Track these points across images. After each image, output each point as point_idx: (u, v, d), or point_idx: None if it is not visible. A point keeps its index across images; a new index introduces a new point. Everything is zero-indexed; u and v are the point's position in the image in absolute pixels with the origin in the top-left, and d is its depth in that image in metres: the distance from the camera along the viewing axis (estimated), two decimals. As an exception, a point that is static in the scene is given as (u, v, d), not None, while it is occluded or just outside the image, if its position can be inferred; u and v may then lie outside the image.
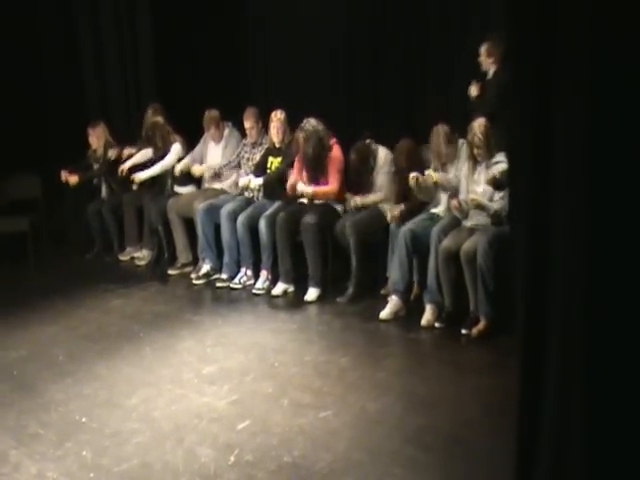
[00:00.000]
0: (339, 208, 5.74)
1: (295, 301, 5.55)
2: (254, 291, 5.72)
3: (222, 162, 6.48)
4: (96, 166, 7.25)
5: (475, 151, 4.77)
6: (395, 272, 5.05)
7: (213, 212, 6.11)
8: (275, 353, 4.52)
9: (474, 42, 5.63)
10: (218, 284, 5.98)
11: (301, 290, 5.58)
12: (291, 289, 5.69)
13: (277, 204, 5.89)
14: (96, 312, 5.52)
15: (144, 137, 6.84)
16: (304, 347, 4.63)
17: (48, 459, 3.36)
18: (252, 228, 5.85)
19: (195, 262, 6.37)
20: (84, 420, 3.72)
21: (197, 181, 6.76)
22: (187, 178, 6.67)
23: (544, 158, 2.29)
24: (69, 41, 8.12)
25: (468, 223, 4.86)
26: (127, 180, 6.82)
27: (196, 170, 6.55)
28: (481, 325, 4.60)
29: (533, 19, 2.26)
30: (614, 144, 2.08)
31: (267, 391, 3.97)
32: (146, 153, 6.86)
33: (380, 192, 5.57)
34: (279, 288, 5.66)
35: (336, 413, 3.66)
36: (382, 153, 5.57)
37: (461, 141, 5.04)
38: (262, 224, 5.74)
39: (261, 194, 6.12)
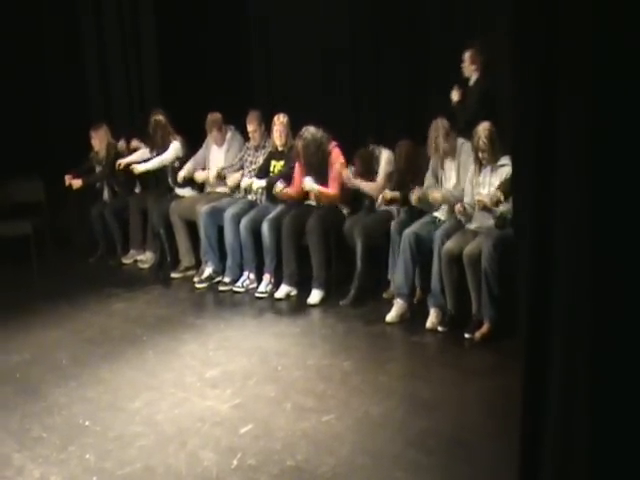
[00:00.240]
0: (344, 210, 5.75)
1: (298, 304, 5.54)
2: (257, 294, 5.72)
3: (225, 165, 6.48)
4: (98, 168, 7.26)
5: (480, 155, 4.76)
6: (399, 275, 5.05)
7: (216, 215, 6.11)
8: (278, 357, 4.52)
9: (478, 43, 5.65)
10: (221, 287, 5.98)
11: (304, 293, 5.58)
12: (294, 292, 5.69)
13: (280, 207, 5.89)
14: (99, 316, 5.53)
15: (148, 139, 6.85)
16: (307, 351, 4.63)
17: (51, 462, 3.36)
18: (255, 231, 5.85)
19: (198, 265, 6.37)
20: (87, 424, 3.72)
21: (199, 183, 6.76)
22: (189, 181, 6.68)
23: (547, 160, 2.28)
24: (72, 43, 8.15)
25: (472, 226, 4.85)
26: (128, 177, 6.84)
27: (199, 176, 6.56)
28: (484, 328, 4.59)
29: (536, 20, 2.26)
30: (617, 145, 2.08)
31: (270, 395, 3.97)
32: (144, 153, 6.88)
33: (374, 185, 5.54)
34: (282, 291, 5.66)
35: (339, 417, 3.66)
36: (384, 154, 5.57)
37: (460, 140, 5.04)
38: (265, 227, 5.75)
39: (264, 197, 6.13)
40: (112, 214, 7.07)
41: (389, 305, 5.09)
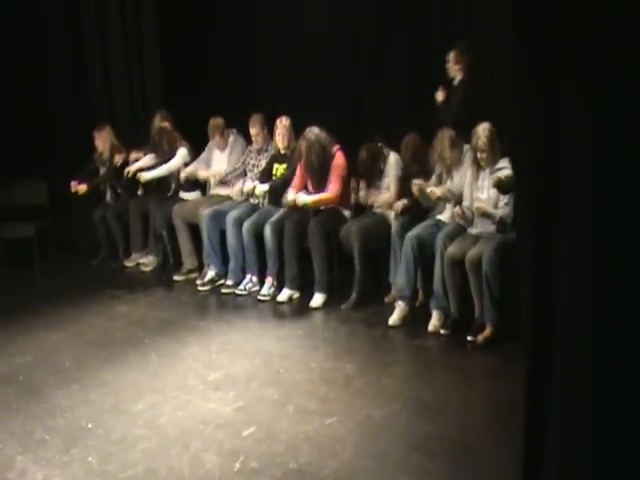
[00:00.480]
0: (346, 213, 5.75)
1: (300, 307, 5.54)
2: (259, 297, 5.73)
3: (228, 169, 6.49)
4: (102, 169, 7.27)
5: (479, 155, 4.76)
6: (401, 278, 5.05)
7: (218, 218, 6.12)
8: (280, 359, 4.52)
9: (479, 43, 5.66)
10: (223, 290, 5.99)
11: (306, 296, 5.58)
12: (296, 295, 5.69)
13: (282, 210, 5.89)
14: (102, 318, 5.53)
15: (151, 142, 6.86)
16: (310, 353, 4.63)
17: (54, 465, 3.36)
18: (257, 234, 5.85)
19: (200, 268, 6.38)
20: (90, 426, 3.72)
21: (202, 187, 6.78)
22: (192, 184, 6.70)
23: (549, 160, 2.29)
24: (75, 47, 8.15)
25: (473, 231, 4.85)
26: (133, 182, 6.85)
27: (202, 174, 6.56)
28: (487, 331, 4.59)
29: (538, 20, 2.27)
30: (620, 145, 2.08)
31: (272, 397, 3.97)
32: (151, 159, 6.89)
33: (387, 193, 5.55)
34: (284, 294, 5.66)
35: (342, 420, 3.66)
36: (392, 157, 5.57)
37: (466, 147, 5.04)
38: (267, 230, 5.75)
39: (266, 200, 6.13)
40: (114, 217, 7.08)
41: (391, 308, 5.09)
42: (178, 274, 6.48)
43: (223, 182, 6.49)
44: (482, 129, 4.71)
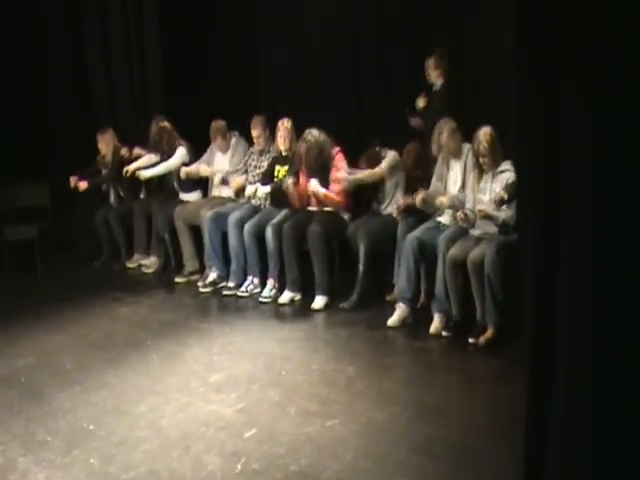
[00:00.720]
0: (345, 216, 5.75)
1: (302, 309, 5.55)
2: (261, 299, 5.73)
3: (230, 170, 6.50)
4: (104, 172, 7.29)
5: (481, 160, 4.76)
6: (402, 280, 5.05)
7: (220, 220, 6.13)
8: (282, 361, 4.52)
9: (481, 43, 5.66)
10: (225, 292, 5.99)
11: (308, 298, 5.59)
12: (298, 297, 5.69)
13: (284, 212, 5.90)
14: (104, 320, 5.54)
15: (151, 142, 6.86)
16: (311, 355, 4.63)
17: (56, 466, 3.36)
18: (259, 236, 5.86)
19: (202, 270, 6.39)
20: (92, 428, 3.73)
21: (203, 188, 6.78)
22: (193, 184, 6.71)
23: (552, 160, 2.29)
24: (77, 49, 8.17)
25: (475, 232, 4.85)
26: (133, 181, 6.86)
27: (203, 170, 6.57)
28: (488, 334, 4.59)
29: (540, 20, 2.27)
30: (622, 145, 2.08)
31: (274, 399, 3.97)
32: (150, 158, 6.90)
33: (369, 172, 5.55)
34: (286, 296, 5.66)
35: (343, 422, 3.66)
36: (391, 154, 5.57)
37: (467, 145, 5.04)
38: (269, 232, 5.76)
39: (268, 202, 6.14)
40: (116, 219, 7.10)
41: (393, 309, 5.10)
42: (180, 276, 6.49)
43: (225, 182, 6.49)
44: (483, 134, 4.70)
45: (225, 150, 6.59)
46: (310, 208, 5.87)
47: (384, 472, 3.18)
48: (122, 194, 7.26)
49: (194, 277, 6.41)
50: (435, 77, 5.84)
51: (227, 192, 6.53)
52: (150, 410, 3.90)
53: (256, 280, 5.92)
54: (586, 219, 2.19)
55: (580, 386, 2.25)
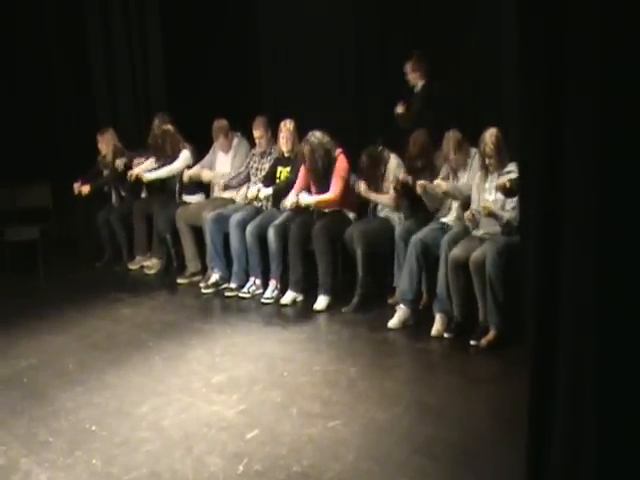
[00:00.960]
0: (350, 216, 5.75)
1: (304, 310, 5.55)
2: (263, 300, 5.73)
3: (231, 172, 6.50)
4: (106, 172, 7.29)
5: (487, 161, 4.76)
6: (404, 281, 5.05)
7: (222, 221, 6.13)
8: (284, 362, 4.52)
9: (483, 44, 5.67)
10: (227, 293, 5.99)
11: (310, 299, 5.59)
12: (300, 298, 5.70)
13: (286, 213, 5.90)
14: (106, 321, 5.55)
15: (152, 145, 6.86)
16: (313, 357, 4.64)
17: (58, 467, 3.37)
18: (261, 237, 5.86)
19: (204, 271, 6.39)
20: (94, 428, 3.73)
21: (205, 190, 6.79)
22: (196, 187, 6.72)
23: (555, 159, 2.29)
24: (80, 51, 8.18)
25: (478, 232, 4.85)
26: (136, 184, 6.87)
27: (205, 175, 6.58)
28: (490, 335, 4.59)
29: (543, 19, 2.27)
30: (625, 145, 2.08)
31: (276, 400, 3.97)
32: (152, 163, 6.91)
33: (387, 195, 5.55)
34: (288, 297, 5.66)
35: (345, 423, 3.66)
36: (393, 161, 5.57)
37: (474, 150, 5.04)
38: (271, 233, 5.76)
39: (270, 203, 6.14)
40: (118, 220, 7.10)
41: (394, 311, 5.09)
42: (182, 277, 6.49)
43: (227, 188, 6.50)
44: (489, 135, 4.71)
45: (227, 150, 6.59)
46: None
47: (386, 473, 3.18)
48: (123, 194, 7.26)
49: (196, 278, 6.41)
50: (415, 79, 5.99)
51: (229, 194, 6.53)
52: (152, 411, 3.91)
53: (258, 281, 5.92)
54: (588, 219, 2.19)
55: (582, 386, 2.25)
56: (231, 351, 4.77)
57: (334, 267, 5.63)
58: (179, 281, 6.46)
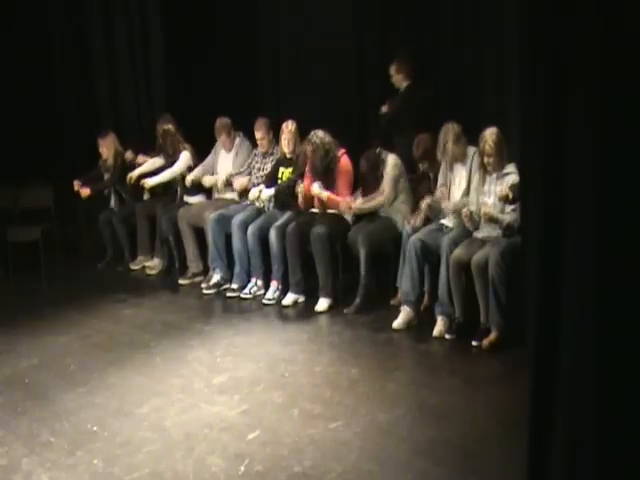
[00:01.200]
0: (349, 218, 5.76)
1: (305, 311, 5.55)
2: (264, 301, 5.73)
3: (232, 171, 6.50)
4: (107, 176, 7.29)
5: (485, 160, 4.74)
6: (406, 282, 5.05)
7: (224, 222, 6.13)
8: (285, 363, 4.52)
9: (485, 45, 5.68)
10: (228, 294, 5.99)
11: (311, 300, 5.58)
12: (301, 299, 5.70)
13: (288, 214, 5.90)
14: (107, 321, 5.55)
15: (156, 145, 6.89)
16: (314, 358, 4.64)
17: (59, 467, 3.37)
18: (263, 238, 5.86)
19: (206, 272, 6.39)
20: (95, 429, 3.73)
21: (207, 191, 6.80)
22: (197, 188, 6.72)
23: (556, 160, 2.29)
24: (81, 51, 8.19)
25: (479, 235, 4.85)
26: (136, 187, 6.88)
27: (207, 181, 6.59)
28: (492, 336, 4.58)
29: (546, 19, 2.27)
30: (627, 146, 2.08)
31: (277, 401, 3.97)
32: (154, 162, 6.91)
33: (381, 196, 5.54)
34: (289, 298, 5.66)
35: (346, 424, 3.66)
36: (391, 159, 5.57)
37: (472, 149, 5.03)
38: (272, 234, 5.76)
39: (272, 204, 6.14)
40: (120, 221, 7.10)
41: (396, 312, 5.09)
42: (183, 278, 6.49)
43: (228, 185, 6.50)
44: (489, 133, 4.69)
45: (229, 148, 6.60)
46: (313, 210, 5.87)
47: (387, 474, 3.18)
48: (125, 197, 7.26)
49: (198, 279, 6.41)
50: (400, 81, 6.07)
51: (231, 194, 6.54)
52: (153, 411, 3.91)
53: (260, 282, 5.93)
54: (589, 220, 2.19)
55: (582, 387, 2.25)
56: (232, 352, 4.77)
57: (334, 270, 5.63)
58: (181, 282, 6.46)
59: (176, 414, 3.87)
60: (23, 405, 4.08)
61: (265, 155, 6.34)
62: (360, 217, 5.76)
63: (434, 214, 5.17)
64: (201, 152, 6.75)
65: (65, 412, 3.95)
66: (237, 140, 6.60)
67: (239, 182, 6.34)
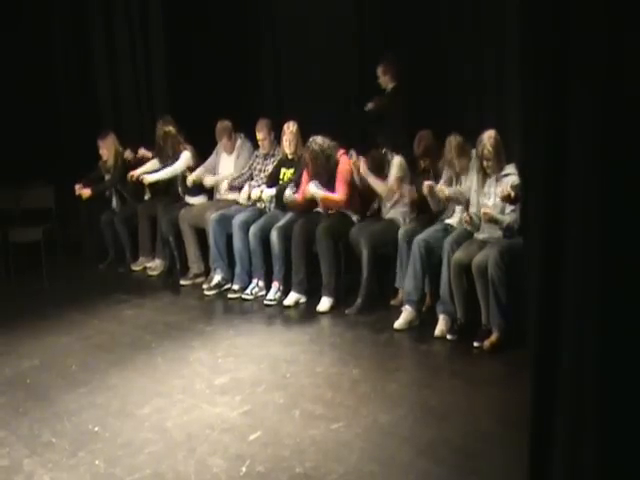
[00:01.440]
0: (354, 218, 5.75)
1: (307, 312, 5.55)
2: (266, 302, 5.73)
3: (234, 173, 6.51)
4: (107, 177, 7.29)
5: (485, 163, 4.75)
6: (409, 282, 5.05)
7: (225, 223, 6.13)
8: (287, 364, 4.52)
9: (486, 44, 5.68)
10: (230, 295, 6.00)
11: (313, 301, 5.59)
12: (303, 300, 5.70)
13: (289, 215, 5.90)
14: (109, 322, 5.55)
15: (156, 147, 6.89)
16: (316, 358, 4.64)
17: (61, 468, 3.37)
18: (264, 239, 5.86)
19: (207, 273, 6.39)
20: (97, 429, 3.74)
21: (208, 191, 6.80)
22: (198, 188, 6.72)
23: (558, 159, 2.29)
24: (83, 52, 8.19)
25: (480, 236, 4.85)
26: (137, 185, 6.88)
27: (208, 181, 6.59)
28: (493, 337, 4.58)
29: (548, 19, 2.27)
30: (629, 145, 2.08)
31: (279, 402, 3.98)
32: (155, 163, 6.92)
33: (385, 186, 5.54)
34: (291, 298, 5.66)
35: (348, 424, 3.66)
36: (396, 159, 5.56)
37: (474, 152, 5.03)
38: (274, 235, 5.76)
39: (273, 205, 6.14)
40: (121, 222, 7.10)
41: (398, 313, 5.10)
42: (185, 278, 6.49)
43: (232, 189, 6.50)
44: (487, 137, 4.69)
45: (230, 151, 6.60)
46: (317, 209, 5.88)
47: (389, 475, 3.18)
48: (126, 197, 7.26)
49: (199, 280, 6.41)
50: (386, 82, 6.16)
51: (232, 195, 6.53)
52: (155, 412, 3.91)
53: (261, 283, 5.93)
54: (591, 221, 2.19)
55: (583, 387, 2.25)
56: (234, 353, 4.77)
57: (337, 269, 5.63)
58: (182, 282, 6.46)
59: (177, 415, 3.87)
60: (24, 406, 4.08)
61: (266, 156, 6.34)
62: (366, 217, 5.77)
63: (435, 201, 5.16)
64: (202, 153, 6.75)
65: (66, 413, 3.95)
66: (238, 142, 6.60)
67: (243, 196, 6.33)
